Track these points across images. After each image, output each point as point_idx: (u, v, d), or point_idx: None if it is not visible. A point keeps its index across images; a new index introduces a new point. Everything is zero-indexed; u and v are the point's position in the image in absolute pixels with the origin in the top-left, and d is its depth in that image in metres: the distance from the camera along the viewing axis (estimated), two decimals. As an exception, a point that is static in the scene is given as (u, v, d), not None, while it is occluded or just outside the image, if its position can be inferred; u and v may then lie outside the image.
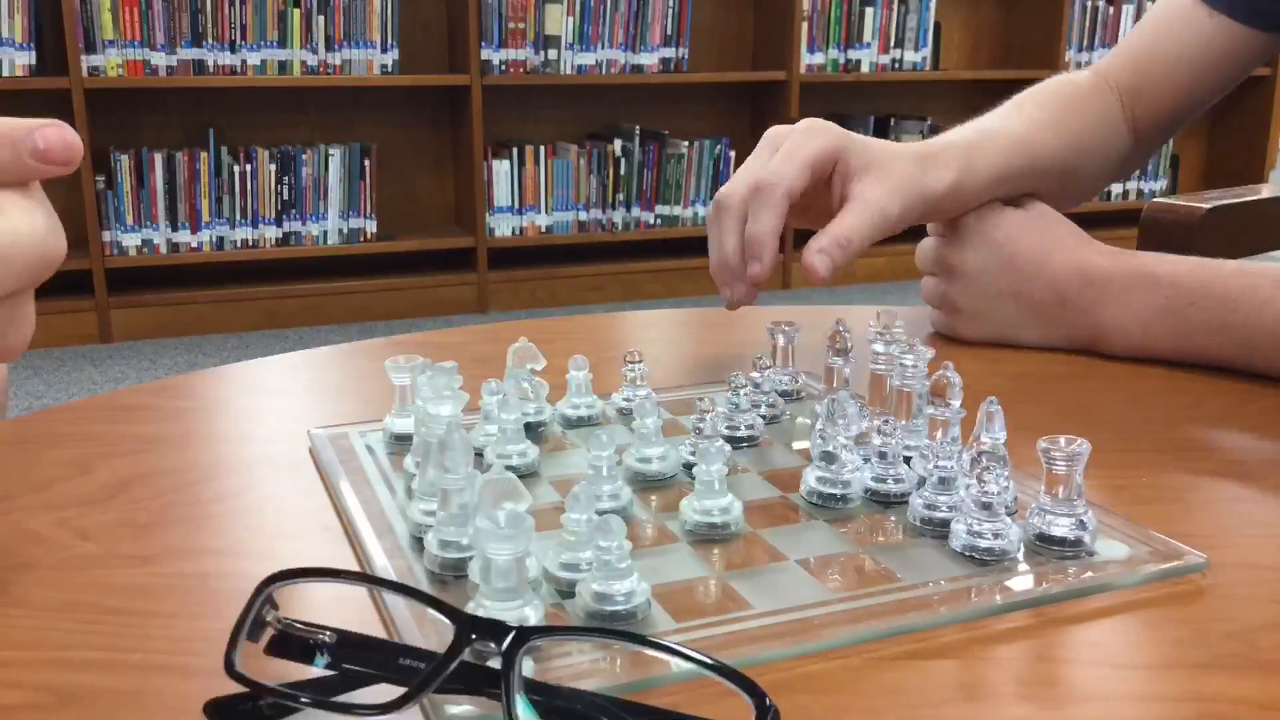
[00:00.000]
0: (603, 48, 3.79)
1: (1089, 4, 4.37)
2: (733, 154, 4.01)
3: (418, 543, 0.47)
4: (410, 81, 3.61)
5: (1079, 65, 4.38)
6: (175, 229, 3.44)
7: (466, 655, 0.33)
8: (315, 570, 0.38)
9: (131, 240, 3.40)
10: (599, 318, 0.95)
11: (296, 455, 0.59)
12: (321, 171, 3.57)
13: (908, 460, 0.53)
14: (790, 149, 0.70)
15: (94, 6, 3.24)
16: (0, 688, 0.38)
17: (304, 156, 3.55)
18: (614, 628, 0.40)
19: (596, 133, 3.98)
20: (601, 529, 0.41)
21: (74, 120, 3.17)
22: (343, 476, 0.54)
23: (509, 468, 0.54)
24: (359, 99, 3.71)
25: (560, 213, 3.84)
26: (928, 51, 4.21)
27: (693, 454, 0.54)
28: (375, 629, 0.41)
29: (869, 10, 4.10)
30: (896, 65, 4.19)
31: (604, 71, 3.81)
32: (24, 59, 3.22)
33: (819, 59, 4.05)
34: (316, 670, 0.36)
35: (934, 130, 4.25)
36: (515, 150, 3.75)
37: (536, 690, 0.34)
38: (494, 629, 0.33)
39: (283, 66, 3.46)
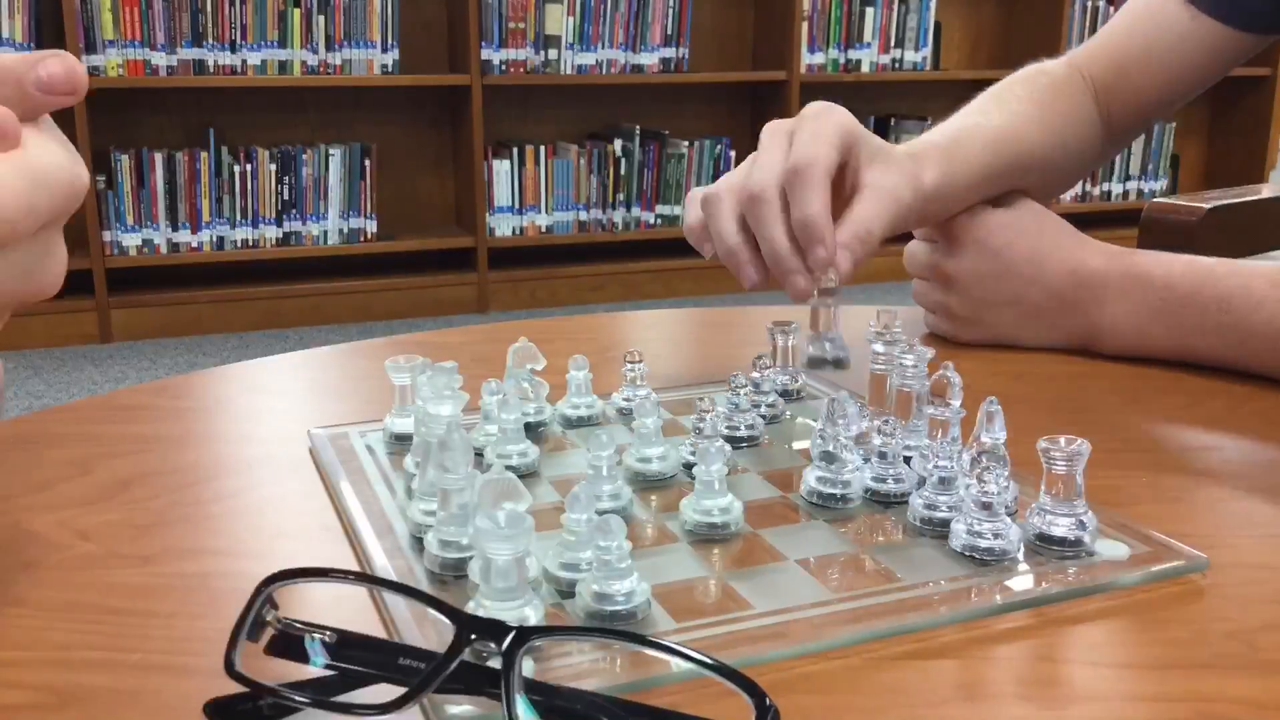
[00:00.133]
0: (603, 48, 3.79)
1: (1089, 4, 4.37)
2: (733, 154, 4.01)
3: (418, 543, 0.47)
4: (410, 81, 3.61)
5: (1079, 65, 4.38)
6: (175, 229, 3.44)
7: (466, 655, 0.33)
8: (315, 570, 0.38)
9: (132, 240, 3.40)
10: (599, 318, 0.95)
11: (296, 455, 0.59)
12: (322, 171, 3.57)
13: (908, 460, 0.53)
14: (814, 131, 0.66)
15: (94, 6, 3.24)
16: (0, 688, 0.38)
17: (304, 156, 3.55)
18: (614, 628, 0.40)
19: (596, 133, 3.98)
20: (601, 529, 0.41)
21: (74, 120, 3.17)
22: (343, 476, 0.54)
23: (509, 468, 0.54)
24: (359, 99, 3.71)
25: (560, 213, 3.84)
26: (928, 51, 4.21)
27: (693, 454, 0.54)
28: (375, 629, 0.41)
29: (869, 10, 4.10)
30: (897, 65, 4.19)
31: (604, 71, 3.81)
32: (24, 59, 3.22)
33: (819, 59, 4.05)
34: (316, 670, 0.36)
35: (934, 130, 4.25)
36: (515, 150, 3.75)
37: (536, 690, 0.34)
38: (494, 629, 0.33)
39: (283, 66, 3.46)
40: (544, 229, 3.83)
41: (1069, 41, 4.31)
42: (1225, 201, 1.12)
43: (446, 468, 0.44)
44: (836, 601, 0.42)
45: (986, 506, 0.46)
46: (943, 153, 0.74)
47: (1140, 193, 4.69)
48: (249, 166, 3.49)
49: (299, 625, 0.36)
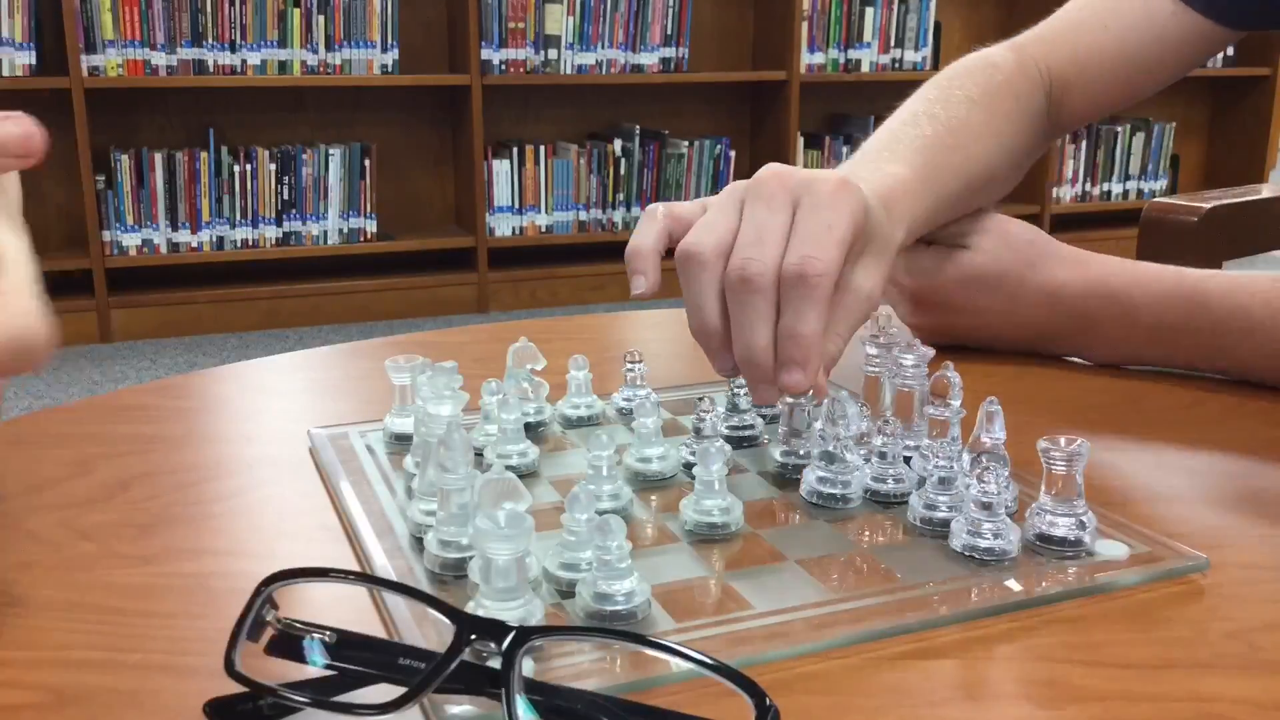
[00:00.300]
0: (603, 47, 3.79)
1: (1089, 4, 4.36)
2: (733, 154, 4.01)
3: (418, 543, 0.47)
4: (410, 81, 3.61)
5: (1079, 65, 4.37)
6: (175, 229, 3.44)
7: (466, 655, 0.33)
8: (315, 570, 0.38)
9: (131, 240, 3.40)
10: (599, 318, 0.95)
11: (296, 455, 0.59)
12: (321, 171, 3.57)
13: (908, 460, 0.53)
14: (831, 222, 0.55)
15: (94, 6, 3.24)
16: (0, 688, 0.38)
17: (304, 156, 3.55)
18: (614, 628, 0.40)
19: (596, 132, 3.98)
20: (601, 529, 0.41)
21: (74, 120, 3.17)
22: (343, 476, 0.54)
23: (509, 468, 0.54)
24: (359, 99, 3.71)
25: (560, 212, 3.84)
26: (928, 51, 4.21)
27: (693, 454, 0.54)
28: (375, 629, 0.41)
29: (869, 10, 4.10)
30: (896, 65, 4.19)
31: (604, 71, 3.80)
32: (24, 59, 3.22)
33: (819, 59, 4.05)
34: (316, 670, 0.36)
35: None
36: (515, 150, 3.75)
37: (536, 690, 0.34)
38: (494, 629, 0.33)
39: (283, 66, 3.46)
40: (544, 229, 3.83)
41: (1069, 41, 4.30)
42: (1225, 201, 1.12)
43: (446, 468, 0.44)
44: (836, 601, 0.42)
45: (986, 506, 0.46)
46: (926, 209, 0.67)
47: (1140, 193, 4.69)
48: (249, 166, 3.49)
49: (299, 625, 0.36)
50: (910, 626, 0.41)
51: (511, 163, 3.75)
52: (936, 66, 4.25)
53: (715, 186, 3.98)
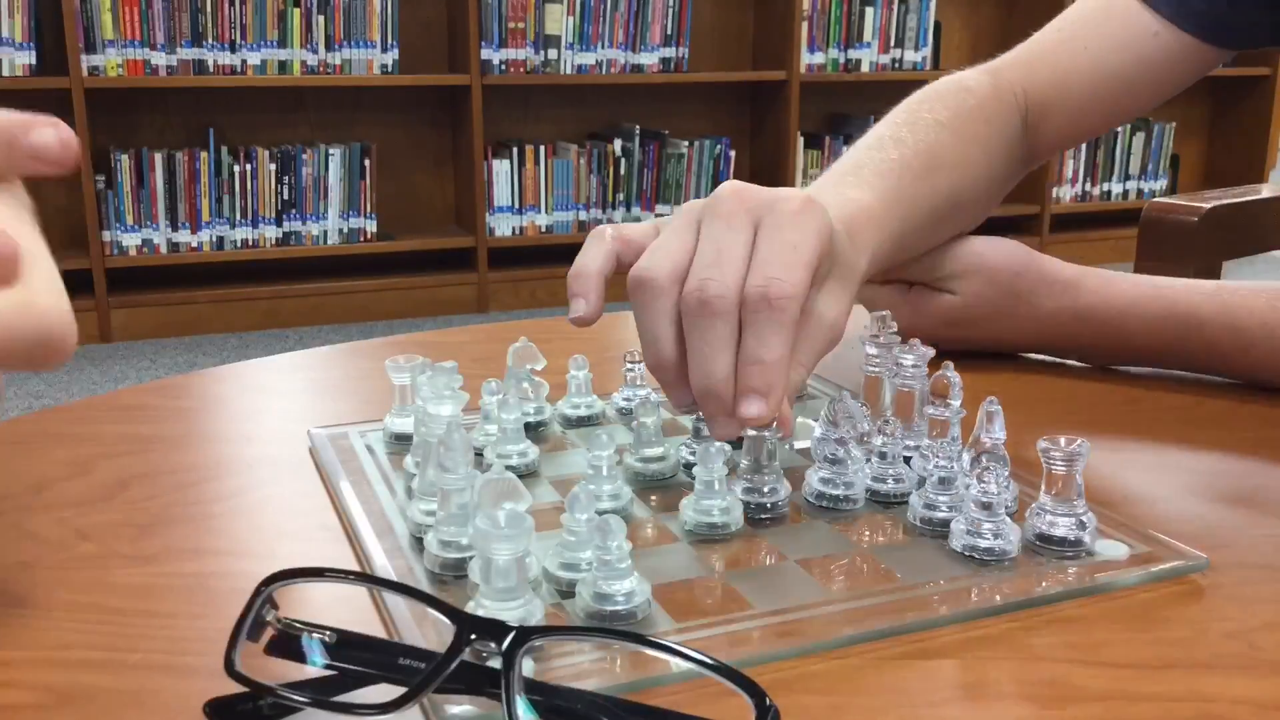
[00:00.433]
0: (603, 47, 3.79)
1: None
2: (733, 154, 4.01)
3: (418, 543, 0.47)
4: (410, 81, 3.61)
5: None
6: (175, 229, 3.44)
7: (466, 655, 0.33)
8: (315, 570, 0.38)
9: (131, 240, 3.40)
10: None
11: (296, 455, 0.59)
12: (321, 171, 3.57)
13: (908, 460, 0.53)
14: (797, 242, 0.51)
15: (94, 6, 3.24)
16: (0, 688, 0.38)
17: (304, 156, 3.55)
18: (614, 628, 0.40)
19: (596, 132, 3.98)
20: (601, 529, 0.41)
21: (74, 120, 3.17)
22: (343, 476, 0.54)
23: (509, 468, 0.54)
24: (359, 99, 3.71)
25: (560, 212, 3.84)
26: (928, 51, 4.21)
27: (693, 454, 0.54)
28: (375, 629, 0.41)
29: (869, 10, 4.10)
30: (896, 65, 4.19)
31: (604, 71, 3.81)
32: (24, 59, 3.22)
33: (819, 59, 4.05)
34: (316, 670, 0.36)
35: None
36: (515, 150, 3.75)
37: (536, 690, 0.34)
38: (494, 629, 0.33)
39: (283, 66, 3.46)
40: (544, 229, 3.83)
41: (1069, 41, 4.31)
42: (1225, 201, 1.12)
43: (446, 468, 0.44)
44: (836, 601, 0.42)
45: (986, 506, 0.46)
46: (891, 236, 0.64)
47: (1140, 192, 4.69)
48: (249, 166, 3.49)
49: (299, 625, 0.36)
50: (910, 626, 0.41)
51: (511, 163, 3.75)
52: (937, 66, 4.25)
53: (715, 186, 3.97)
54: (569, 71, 3.76)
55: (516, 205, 3.78)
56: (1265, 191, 1.17)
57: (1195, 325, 0.68)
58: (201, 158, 3.44)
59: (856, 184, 0.64)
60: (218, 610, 0.43)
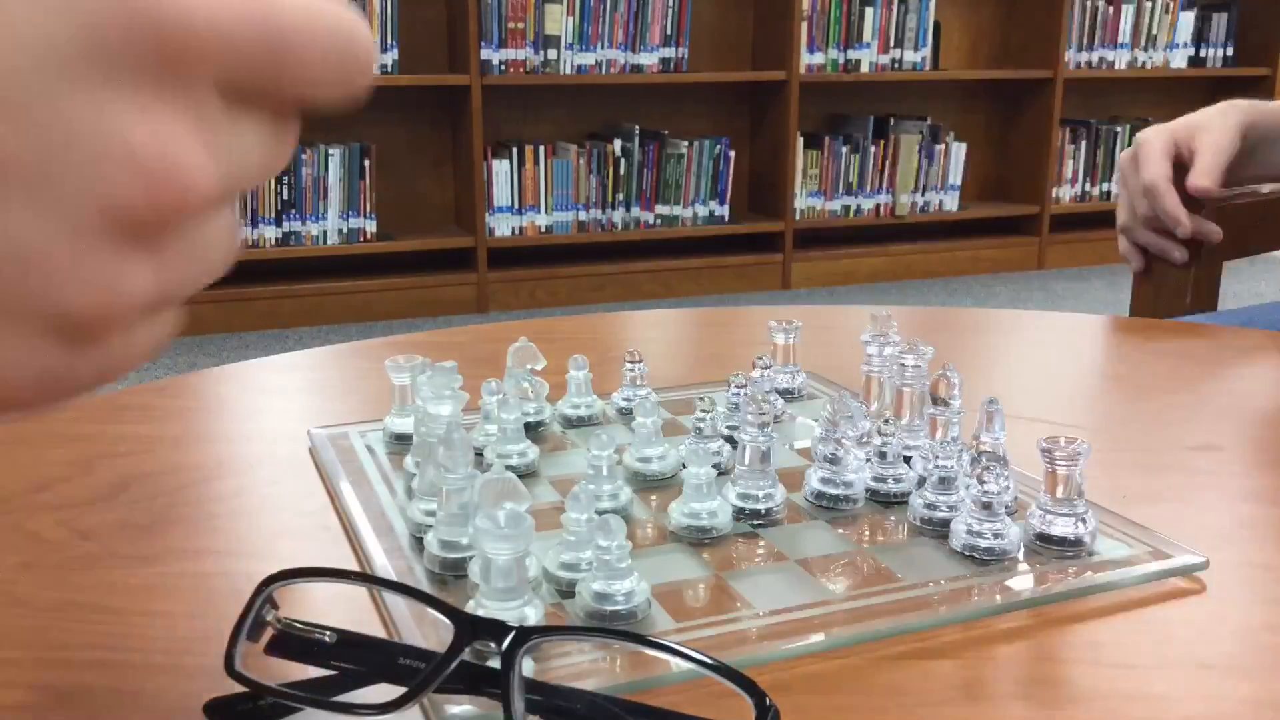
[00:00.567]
0: (602, 48, 3.79)
1: (1089, 4, 4.37)
2: (732, 154, 4.01)
3: (418, 543, 0.47)
4: (410, 81, 3.61)
5: (1078, 65, 4.38)
6: (175, 229, 3.44)
7: (466, 655, 0.33)
8: (315, 570, 0.38)
9: (131, 240, 3.39)
10: (599, 318, 0.95)
11: (296, 455, 0.59)
12: (321, 171, 3.56)
13: (908, 460, 0.53)
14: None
15: (94, 6, 3.24)
16: (0, 687, 0.38)
17: (304, 156, 3.54)
18: (614, 627, 0.40)
19: (596, 133, 3.98)
20: (601, 529, 0.41)
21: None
22: (343, 476, 0.54)
23: (509, 468, 0.54)
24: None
25: (560, 213, 3.84)
26: (927, 51, 4.21)
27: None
28: (375, 629, 0.41)
29: (869, 10, 4.10)
30: (896, 65, 4.19)
31: (604, 71, 3.80)
32: (24, 59, 3.22)
33: (819, 59, 4.05)
34: (316, 670, 0.36)
35: (933, 130, 4.25)
36: (515, 150, 3.75)
37: (536, 690, 0.34)
38: (494, 629, 0.33)
39: (282, 66, 3.46)
40: (543, 229, 3.83)
41: (1068, 42, 4.31)
42: (1225, 201, 1.12)
43: (446, 468, 0.44)
44: (836, 601, 0.42)
45: (986, 506, 0.46)
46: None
47: (1140, 193, 4.68)
48: (249, 166, 3.49)
49: (299, 625, 0.36)
50: (910, 626, 0.41)
51: (511, 163, 3.74)
52: (936, 67, 4.25)
53: (715, 186, 3.98)
54: (569, 71, 3.75)
55: (516, 205, 3.78)
56: (1265, 191, 1.17)
57: None
58: (201, 158, 3.43)
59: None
60: (218, 610, 0.43)
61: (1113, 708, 0.37)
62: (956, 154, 4.30)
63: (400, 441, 0.58)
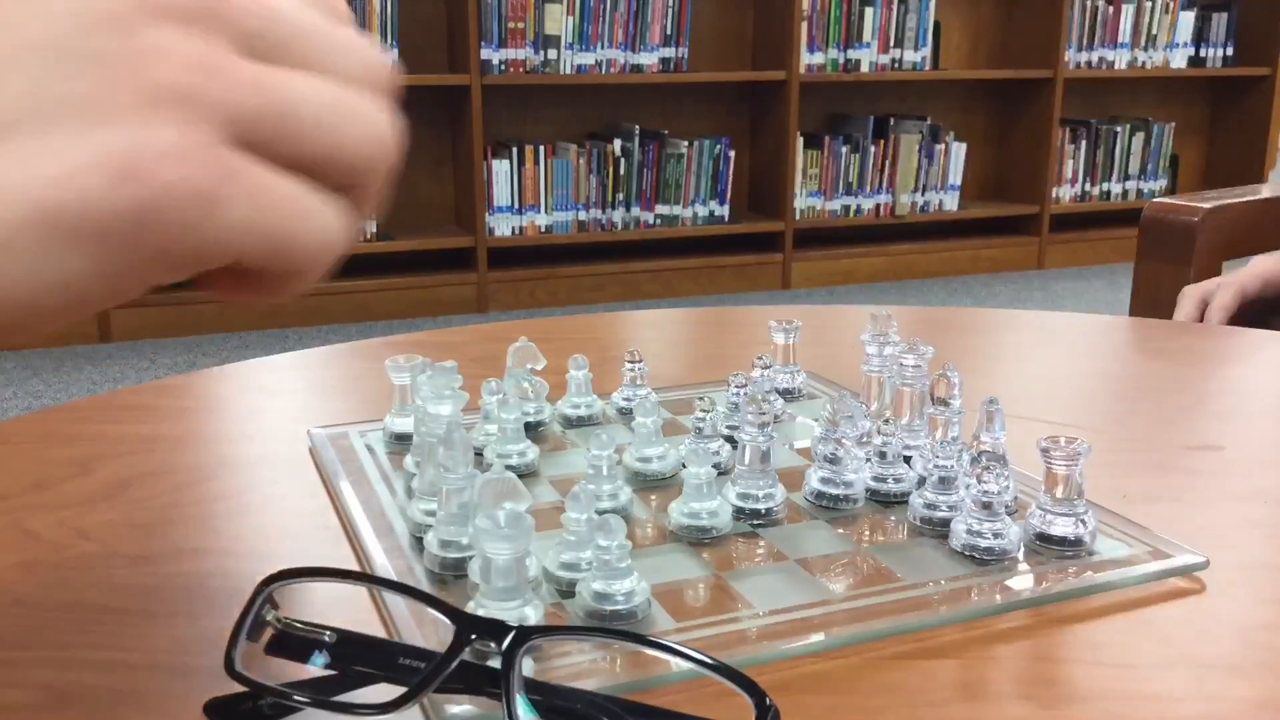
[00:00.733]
0: (602, 47, 3.79)
1: (1089, 4, 4.37)
2: (732, 154, 4.01)
3: (418, 543, 0.47)
4: (410, 81, 3.61)
5: (1078, 65, 4.38)
6: (175, 229, 3.44)
7: (466, 655, 0.33)
8: (315, 570, 0.38)
9: (131, 240, 3.39)
10: (599, 318, 0.95)
11: (296, 455, 0.59)
12: (321, 171, 3.56)
13: (908, 460, 0.53)
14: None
15: (94, 6, 3.24)
16: (0, 687, 0.38)
17: (304, 156, 3.54)
18: (614, 627, 0.40)
19: (596, 132, 3.98)
20: (602, 528, 0.41)
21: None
22: (343, 476, 0.54)
23: (509, 467, 0.54)
24: (359, 99, 3.70)
25: (560, 212, 3.84)
26: (927, 51, 4.21)
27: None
28: (375, 629, 0.41)
29: (869, 10, 4.10)
30: (896, 65, 4.19)
31: (604, 71, 3.80)
32: (24, 59, 3.22)
33: (819, 59, 4.05)
34: (316, 670, 0.36)
35: (933, 130, 4.25)
36: (515, 150, 3.75)
37: (536, 690, 0.34)
38: (494, 629, 0.33)
39: (282, 66, 3.46)
40: (543, 229, 3.83)
41: (1068, 42, 4.31)
42: (1225, 201, 1.12)
43: (446, 468, 0.44)
44: (836, 601, 0.42)
45: (986, 506, 0.46)
46: None
47: (1140, 193, 4.69)
48: (249, 166, 3.49)
49: (299, 625, 0.36)
50: (910, 626, 0.41)
51: (511, 163, 3.74)
52: (936, 66, 4.25)
53: (715, 186, 3.98)
54: (568, 71, 3.76)
55: (516, 205, 3.78)
56: (1265, 191, 1.17)
57: None
58: (201, 158, 3.43)
59: None
60: (218, 610, 0.43)
61: (1113, 708, 0.37)
62: (956, 154, 4.31)
63: (400, 441, 0.58)
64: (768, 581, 0.44)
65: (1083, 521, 0.46)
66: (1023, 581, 0.44)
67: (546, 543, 0.45)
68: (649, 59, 3.85)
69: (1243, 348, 0.80)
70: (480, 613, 0.38)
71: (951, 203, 4.33)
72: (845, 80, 4.14)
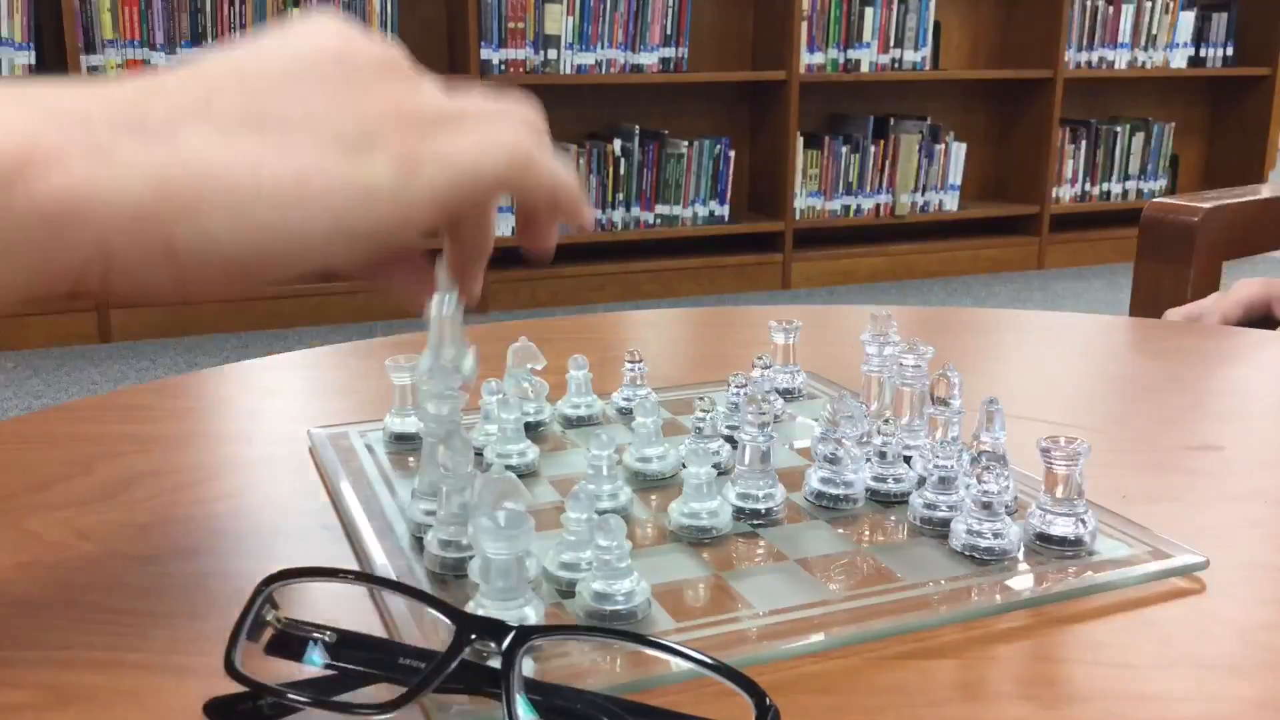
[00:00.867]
0: (602, 47, 3.79)
1: (1089, 4, 4.37)
2: (732, 154, 4.01)
3: (418, 543, 0.47)
4: (410, 81, 3.61)
5: (1078, 65, 4.38)
6: (175, 229, 3.44)
7: (466, 655, 0.33)
8: (315, 570, 0.38)
9: (131, 240, 3.39)
10: (599, 318, 0.95)
11: (296, 455, 0.59)
12: (321, 171, 3.56)
13: (908, 460, 0.53)
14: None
15: (93, 6, 3.24)
16: (0, 687, 0.38)
17: (304, 156, 3.54)
18: (614, 627, 0.40)
19: (596, 132, 3.98)
20: (602, 528, 0.41)
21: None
22: (343, 476, 0.54)
23: (509, 467, 0.54)
24: (359, 99, 3.71)
25: (560, 212, 3.84)
26: (927, 51, 4.21)
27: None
28: (375, 629, 0.41)
29: (869, 10, 4.10)
30: (896, 65, 4.19)
31: (604, 71, 3.81)
32: (24, 59, 3.22)
33: (819, 59, 4.05)
34: (316, 670, 0.36)
35: (933, 130, 4.25)
36: (515, 150, 3.74)
37: (536, 690, 0.34)
38: (494, 629, 0.33)
39: (282, 66, 3.46)
40: (544, 229, 3.83)
41: (1068, 42, 4.31)
42: (1225, 201, 1.12)
43: (446, 468, 0.44)
44: (836, 601, 0.42)
45: (986, 506, 0.46)
46: None
47: (1140, 193, 4.69)
48: (249, 166, 3.49)
49: (299, 625, 0.36)
50: (910, 626, 0.41)
51: (511, 163, 3.74)
52: (936, 66, 4.25)
53: (715, 186, 3.98)
54: (568, 71, 3.76)
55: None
56: (1265, 191, 1.17)
57: None
58: (201, 158, 3.43)
59: None
60: (218, 610, 0.43)
61: (1113, 708, 0.37)
62: (956, 154, 4.31)
63: (400, 441, 0.58)
64: (768, 581, 0.44)
65: (1083, 521, 0.46)
66: (1023, 581, 0.44)
67: (546, 543, 0.45)
68: (649, 59, 3.85)
69: (1243, 348, 0.80)
70: (480, 613, 0.38)
71: (951, 203, 4.33)
72: (845, 80, 4.14)
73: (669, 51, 3.88)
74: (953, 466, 0.49)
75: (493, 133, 0.42)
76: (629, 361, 0.63)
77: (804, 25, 3.97)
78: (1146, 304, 1.10)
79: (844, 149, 4.14)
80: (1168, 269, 1.07)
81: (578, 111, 3.98)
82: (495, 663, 0.33)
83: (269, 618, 0.36)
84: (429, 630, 0.39)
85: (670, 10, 3.84)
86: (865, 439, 0.54)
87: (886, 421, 0.53)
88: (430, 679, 0.33)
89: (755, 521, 0.49)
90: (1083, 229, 4.53)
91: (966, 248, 4.31)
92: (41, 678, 0.38)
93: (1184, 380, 0.71)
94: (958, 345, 0.80)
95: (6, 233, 0.34)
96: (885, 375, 0.59)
